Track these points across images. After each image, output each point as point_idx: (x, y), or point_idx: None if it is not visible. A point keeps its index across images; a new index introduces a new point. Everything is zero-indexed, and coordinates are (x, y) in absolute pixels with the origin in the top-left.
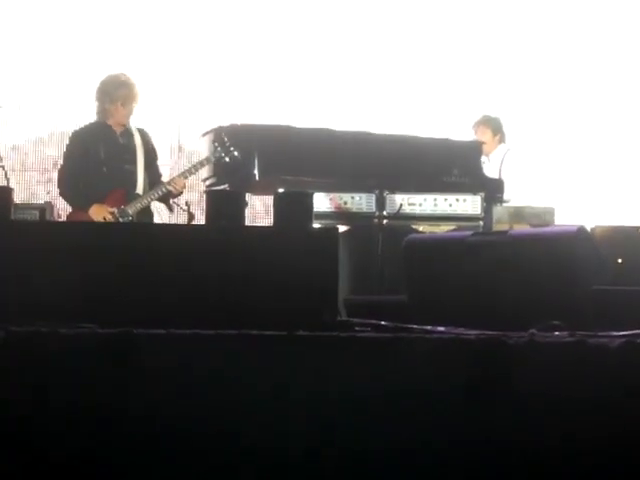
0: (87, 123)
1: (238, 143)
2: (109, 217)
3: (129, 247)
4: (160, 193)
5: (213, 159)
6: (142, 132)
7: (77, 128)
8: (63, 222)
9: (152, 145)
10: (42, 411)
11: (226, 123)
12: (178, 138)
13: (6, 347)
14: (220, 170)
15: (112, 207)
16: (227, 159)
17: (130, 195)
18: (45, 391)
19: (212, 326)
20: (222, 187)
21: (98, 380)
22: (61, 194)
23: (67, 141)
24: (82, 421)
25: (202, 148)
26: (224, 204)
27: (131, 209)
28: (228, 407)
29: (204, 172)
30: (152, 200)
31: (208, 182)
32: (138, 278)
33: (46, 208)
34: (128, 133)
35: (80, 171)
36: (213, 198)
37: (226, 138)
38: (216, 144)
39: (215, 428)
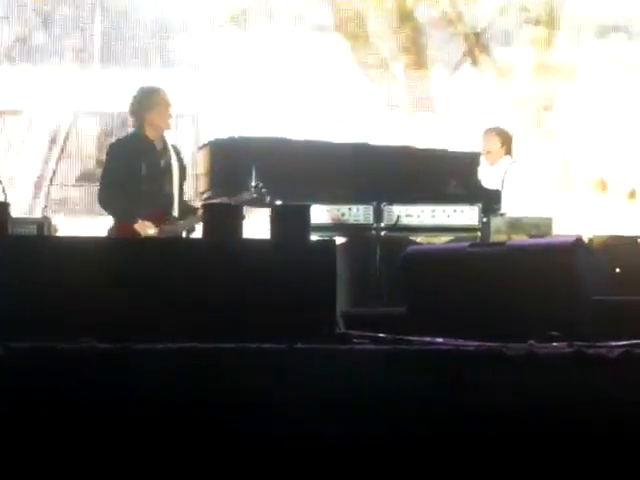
0: (126, 136)
1: (235, 156)
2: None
3: (126, 261)
4: (194, 224)
5: (248, 198)
6: (176, 150)
7: (115, 140)
8: (61, 237)
9: (184, 164)
10: (42, 425)
11: (224, 136)
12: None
13: (4, 363)
14: (217, 183)
15: (154, 226)
16: (258, 199)
17: (168, 216)
18: (44, 406)
19: (210, 339)
20: (219, 200)
21: (98, 394)
22: (103, 206)
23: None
24: (83, 436)
25: (199, 161)
26: (222, 217)
27: (169, 231)
28: (227, 420)
29: (201, 185)
30: (186, 227)
31: (205, 195)
32: (136, 292)
33: (44, 223)
34: (167, 151)
35: (121, 184)
36: (210, 211)
37: (258, 180)
38: (250, 184)
39: (214, 442)
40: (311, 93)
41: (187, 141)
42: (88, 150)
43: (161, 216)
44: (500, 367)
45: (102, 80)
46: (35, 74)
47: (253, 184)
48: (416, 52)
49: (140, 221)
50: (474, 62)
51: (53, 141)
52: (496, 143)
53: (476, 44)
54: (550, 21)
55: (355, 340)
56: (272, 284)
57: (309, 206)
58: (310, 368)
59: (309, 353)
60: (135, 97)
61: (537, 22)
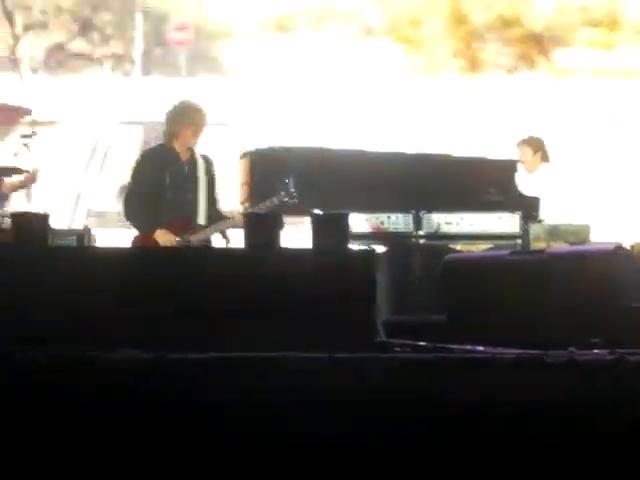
0: (153, 147)
1: (275, 165)
2: (173, 244)
3: (166, 271)
4: (223, 228)
5: (277, 202)
6: (206, 159)
7: (142, 152)
8: (101, 248)
9: (213, 174)
10: (84, 434)
11: (262, 146)
12: None
13: (47, 372)
14: (257, 193)
15: (176, 235)
16: (289, 203)
17: (193, 224)
18: (85, 413)
19: (250, 348)
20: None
21: (137, 402)
22: (127, 217)
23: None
24: (125, 443)
25: (239, 171)
26: (262, 227)
27: (194, 239)
28: (266, 426)
29: (241, 195)
30: (214, 233)
31: (245, 205)
32: (175, 301)
33: (84, 234)
34: (193, 160)
35: (146, 195)
36: (250, 220)
37: (291, 184)
38: (280, 188)
39: (253, 446)
40: (359, 99)
41: (231, 150)
42: (131, 161)
43: (185, 224)
44: (541, 374)
45: (144, 88)
46: (74, 82)
47: (288, 185)
48: (471, 55)
49: (160, 230)
50: (531, 65)
51: (94, 152)
52: (528, 153)
53: (533, 47)
54: (611, 23)
55: (396, 348)
56: (312, 293)
57: (347, 214)
58: (351, 376)
59: (350, 362)
60: (174, 109)
61: (597, 24)
